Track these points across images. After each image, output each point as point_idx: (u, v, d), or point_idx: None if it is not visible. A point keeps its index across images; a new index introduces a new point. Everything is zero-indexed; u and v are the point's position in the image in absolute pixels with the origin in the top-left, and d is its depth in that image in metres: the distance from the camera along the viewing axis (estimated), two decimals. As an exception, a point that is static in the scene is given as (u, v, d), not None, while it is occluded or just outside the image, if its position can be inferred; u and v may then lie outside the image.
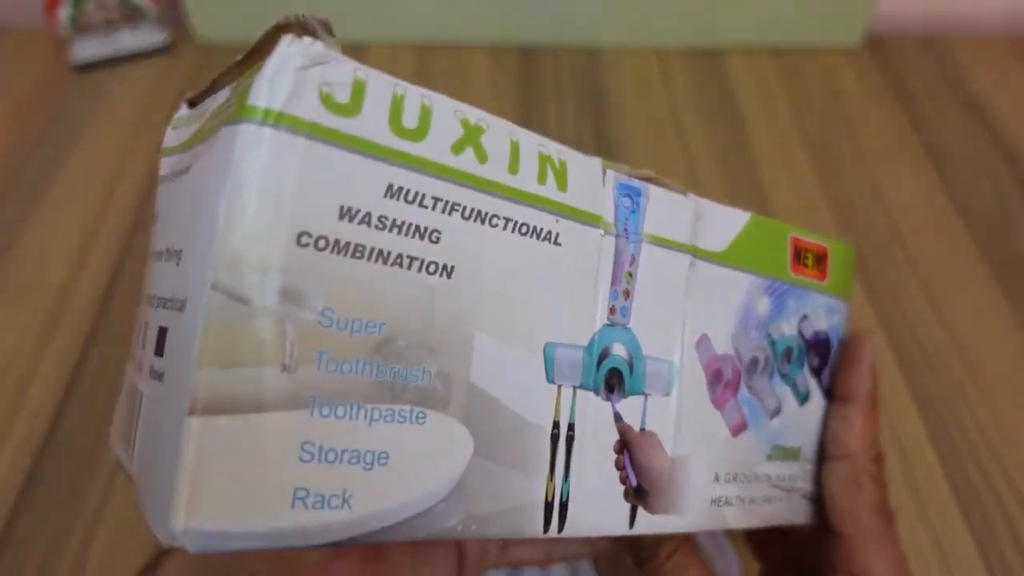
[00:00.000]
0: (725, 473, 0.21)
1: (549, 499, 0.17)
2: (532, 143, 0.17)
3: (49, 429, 0.35)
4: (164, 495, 0.13)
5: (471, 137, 0.15)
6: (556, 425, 0.17)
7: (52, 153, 0.49)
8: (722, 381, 0.21)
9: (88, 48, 0.55)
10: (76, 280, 0.42)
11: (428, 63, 0.57)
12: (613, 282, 0.18)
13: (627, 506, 0.18)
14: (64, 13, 0.54)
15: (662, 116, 0.53)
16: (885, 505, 0.22)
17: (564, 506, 0.17)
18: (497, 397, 0.16)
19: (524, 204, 0.16)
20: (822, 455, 0.23)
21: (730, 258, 0.21)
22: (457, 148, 0.15)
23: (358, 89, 0.14)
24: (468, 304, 0.15)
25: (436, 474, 0.15)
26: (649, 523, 0.19)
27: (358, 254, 0.14)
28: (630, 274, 0.18)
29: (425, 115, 0.15)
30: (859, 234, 0.46)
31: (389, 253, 0.14)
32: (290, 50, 0.13)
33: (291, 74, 0.13)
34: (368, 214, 0.14)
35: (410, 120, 0.15)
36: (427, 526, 0.15)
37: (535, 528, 0.17)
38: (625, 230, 0.18)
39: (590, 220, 0.18)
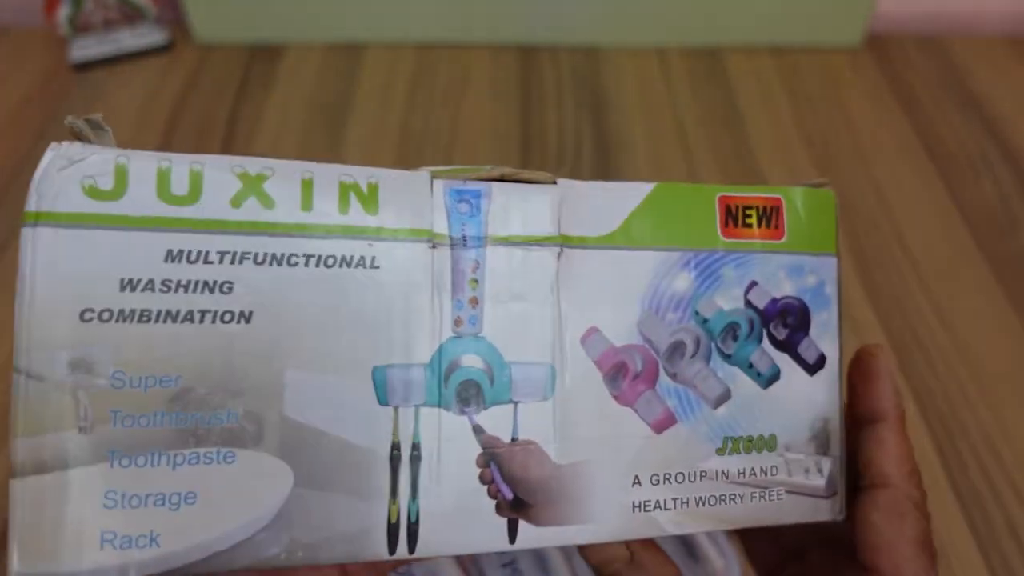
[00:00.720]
0: (650, 475, 0.19)
1: (393, 521, 0.17)
2: (332, 175, 0.17)
3: (48, 429, 0.35)
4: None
5: (252, 187, 0.17)
6: (396, 447, 0.17)
7: (51, 153, 0.49)
8: (628, 375, 0.19)
9: (87, 48, 0.55)
10: (75, 280, 0.42)
11: (428, 63, 0.57)
12: (454, 292, 0.18)
13: (502, 521, 0.18)
14: (63, 13, 0.54)
15: (662, 116, 0.53)
16: (929, 540, 0.20)
17: (414, 527, 0.17)
18: (319, 427, 0.17)
19: (324, 237, 0.17)
20: (825, 445, 0.21)
21: (623, 239, 0.19)
22: (236, 201, 0.17)
23: (120, 173, 0.16)
24: (274, 344, 0.16)
25: (250, 508, 0.16)
26: (540, 536, 0.18)
27: (145, 318, 0.16)
28: (475, 280, 0.18)
29: (195, 179, 0.16)
30: (859, 234, 0.46)
31: (178, 312, 0.16)
32: (51, 157, 0.16)
33: (53, 177, 0.16)
34: (151, 280, 0.16)
35: (180, 187, 0.16)
36: (248, 556, 0.16)
37: (378, 551, 0.17)
38: (463, 237, 0.18)
39: (413, 236, 0.18)
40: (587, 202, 0.19)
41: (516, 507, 0.18)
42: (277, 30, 0.58)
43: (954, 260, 0.44)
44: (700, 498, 0.19)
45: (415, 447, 0.17)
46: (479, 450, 0.18)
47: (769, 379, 0.20)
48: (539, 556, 0.31)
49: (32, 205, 0.16)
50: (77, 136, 0.17)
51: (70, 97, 0.53)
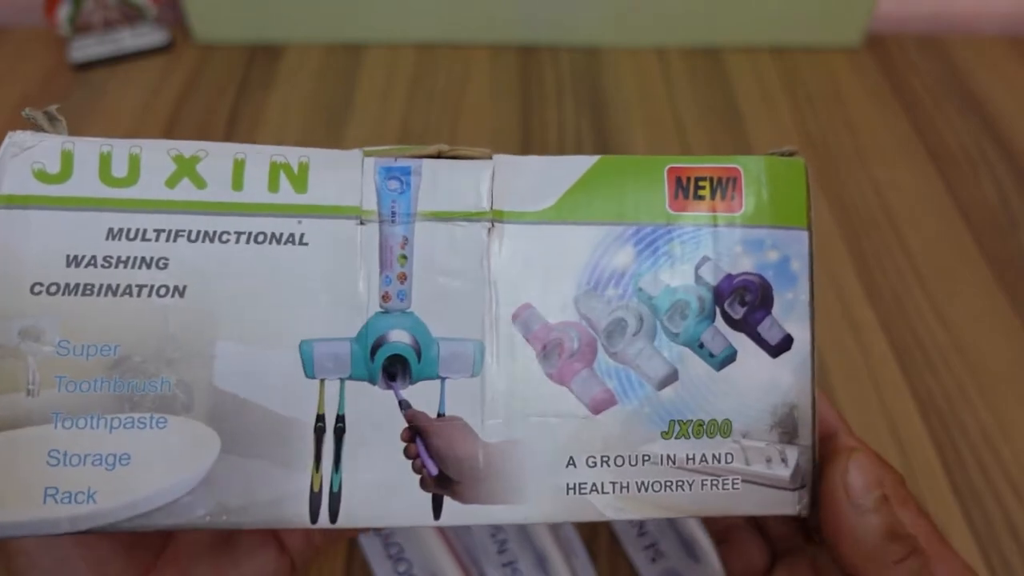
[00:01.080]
0: (586, 457, 0.19)
1: (316, 490, 0.18)
2: (263, 155, 0.18)
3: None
4: None
5: (185, 169, 0.18)
6: (321, 418, 0.18)
7: (51, 153, 0.49)
8: (563, 353, 0.19)
9: (87, 47, 0.55)
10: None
11: (428, 63, 0.57)
12: (382, 268, 0.18)
13: (427, 496, 0.18)
14: (63, 13, 0.54)
15: (662, 116, 0.53)
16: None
17: (336, 497, 0.18)
18: (246, 397, 0.18)
19: (255, 215, 0.18)
20: (791, 434, 0.20)
21: (560, 214, 0.19)
22: (171, 182, 0.18)
23: (67, 158, 0.18)
24: (205, 316, 0.18)
25: (179, 471, 0.17)
26: (466, 513, 0.18)
27: (88, 292, 0.17)
28: (404, 256, 0.18)
29: (134, 162, 0.18)
30: (859, 234, 0.46)
31: (118, 286, 0.17)
32: (6, 146, 0.18)
33: (6, 164, 0.17)
34: (93, 257, 0.17)
35: (119, 170, 0.18)
36: (175, 516, 0.17)
37: (300, 518, 0.18)
38: (392, 213, 0.19)
39: (341, 213, 0.18)
40: (524, 177, 0.19)
41: (441, 483, 0.18)
42: (277, 30, 0.58)
43: (954, 260, 0.44)
44: (642, 483, 0.19)
45: (339, 419, 0.18)
46: (404, 424, 0.18)
47: (723, 360, 0.19)
48: (539, 556, 0.31)
49: None
50: (34, 126, 0.18)
51: (70, 97, 0.53)
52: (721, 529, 0.26)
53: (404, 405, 0.18)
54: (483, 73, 0.56)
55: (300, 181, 0.18)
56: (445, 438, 0.18)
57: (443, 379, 0.18)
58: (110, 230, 0.18)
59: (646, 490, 0.19)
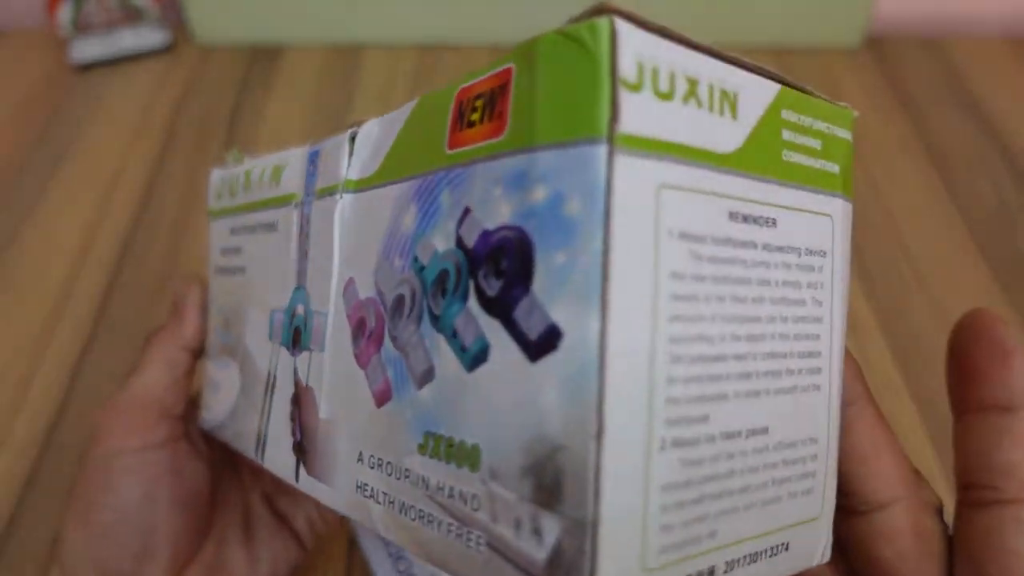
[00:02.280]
0: (370, 455, 0.15)
1: (259, 433, 0.21)
2: (271, 160, 0.22)
3: (49, 429, 0.35)
4: None
5: (246, 180, 0.23)
6: (270, 375, 0.21)
7: (52, 153, 0.49)
8: (365, 333, 0.16)
9: (88, 48, 0.55)
10: (76, 280, 0.42)
11: (428, 63, 0.57)
12: (299, 246, 0.20)
13: (294, 459, 0.19)
14: (64, 14, 0.54)
15: (662, 116, 0.53)
16: None
17: (264, 442, 0.21)
18: (251, 351, 0.22)
19: (262, 209, 0.22)
20: (552, 492, 0.11)
21: (381, 176, 0.16)
22: (234, 192, 0.24)
23: (223, 183, 0.25)
24: (248, 288, 0.22)
25: (229, 400, 0.23)
26: (309, 484, 0.18)
27: (226, 273, 0.24)
28: (306, 235, 0.20)
29: (235, 182, 0.24)
30: (859, 234, 0.46)
31: (228, 267, 0.24)
32: (209, 182, 0.26)
33: (210, 190, 0.26)
34: (225, 248, 0.24)
35: (237, 186, 0.24)
36: (220, 432, 0.23)
37: (252, 453, 0.21)
38: (307, 195, 0.20)
39: (288, 200, 0.21)
40: (371, 140, 0.17)
41: (298, 449, 0.19)
42: (277, 30, 0.58)
43: (954, 260, 0.44)
44: (404, 504, 0.14)
45: (274, 378, 0.21)
46: (293, 389, 0.20)
47: (473, 358, 0.13)
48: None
49: (208, 206, 0.28)
50: (224, 165, 0.25)
51: (71, 98, 0.53)
52: None
53: (296, 372, 0.20)
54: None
55: (277, 175, 0.21)
56: (305, 407, 0.19)
57: (311, 351, 0.19)
58: (232, 228, 0.24)
59: (405, 514, 0.14)
